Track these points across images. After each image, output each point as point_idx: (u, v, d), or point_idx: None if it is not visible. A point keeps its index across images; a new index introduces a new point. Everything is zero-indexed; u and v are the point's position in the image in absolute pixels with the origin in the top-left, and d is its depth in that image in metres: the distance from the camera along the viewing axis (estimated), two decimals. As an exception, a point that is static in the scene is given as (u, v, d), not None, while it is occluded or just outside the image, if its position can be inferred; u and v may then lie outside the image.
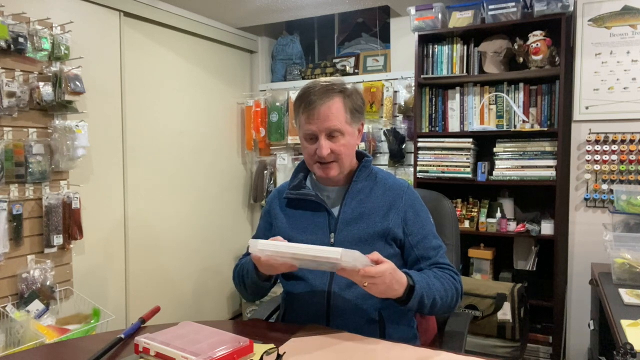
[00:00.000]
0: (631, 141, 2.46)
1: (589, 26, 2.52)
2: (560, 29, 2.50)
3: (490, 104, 2.80)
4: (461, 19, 2.78)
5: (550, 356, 2.60)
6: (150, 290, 2.91)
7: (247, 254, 1.48)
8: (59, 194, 2.33)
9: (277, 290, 1.49)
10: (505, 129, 2.73)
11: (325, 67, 3.54)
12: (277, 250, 1.13)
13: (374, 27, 3.64)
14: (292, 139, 3.47)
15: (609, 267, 2.01)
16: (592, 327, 2.23)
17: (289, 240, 1.38)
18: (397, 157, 3.15)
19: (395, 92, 3.24)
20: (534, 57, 2.57)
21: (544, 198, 2.71)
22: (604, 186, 2.51)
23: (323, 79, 1.36)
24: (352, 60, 3.64)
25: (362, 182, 1.40)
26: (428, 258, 1.34)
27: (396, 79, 3.23)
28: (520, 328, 2.43)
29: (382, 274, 1.10)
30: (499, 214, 2.77)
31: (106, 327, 2.28)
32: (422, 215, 1.39)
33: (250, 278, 1.35)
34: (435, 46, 2.87)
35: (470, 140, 2.76)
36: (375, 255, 1.14)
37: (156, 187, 2.95)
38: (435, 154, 2.84)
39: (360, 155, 1.44)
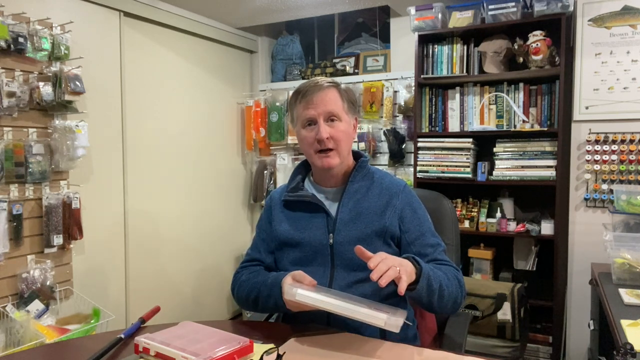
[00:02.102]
0: (631, 141, 2.46)
1: (589, 26, 2.52)
2: (560, 29, 2.50)
3: (490, 104, 2.80)
4: (461, 19, 2.78)
5: (550, 356, 2.60)
6: (150, 290, 2.91)
7: (249, 260, 1.48)
8: (59, 194, 2.33)
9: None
10: (505, 129, 2.73)
11: (325, 67, 3.54)
12: (315, 304, 1.12)
13: (374, 27, 3.64)
14: (292, 139, 3.47)
15: (609, 267, 2.01)
16: (592, 327, 2.23)
17: (289, 241, 1.39)
18: (397, 157, 3.15)
19: (395, 92, 3.24)
20: (534, 57, 2.57)
21: (544, 198, 2.71)
22: (604, 186, 2.51)
23: (318, 78, 1.40)
24: (352, 60, 3.64)
25: (359, 182, 1.40)
26: (425, 255, 1.33)
27: (396, 79, 3.23)
28: (520, 328, 2.43)
29: (384, 255, 1.10)
30: (499, 214, 2.77)
31: (106, 327, 2.28)
32: (419, 213, 1.39)
33: (271, 304, 1.31)
34: (435, 46, 2.87)
35: (470, 140, 2.76)
36: (358, 249, 1.14)
37: (156, 187, 2.95)
38: (435, 154, 2.84)
39: (357, 155, 1.45)
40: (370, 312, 1.09)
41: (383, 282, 1.05)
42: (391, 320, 1.06)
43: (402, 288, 1.07)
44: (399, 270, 1.08)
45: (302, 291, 1.13)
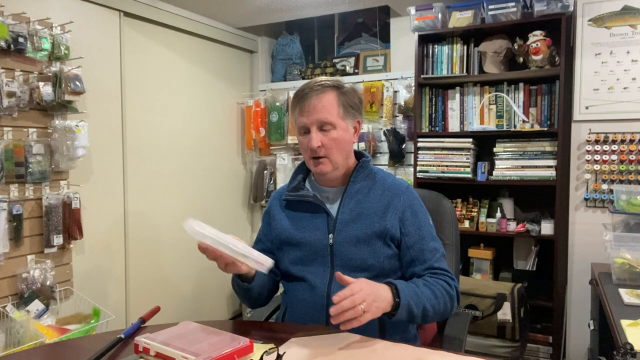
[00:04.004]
0: (631, 141, 2.46)
1: (589, 26, 2.52)
2: (560, 29, 2.50)
3: (490, 104, 2.80)
4: (461, 19, 2.78)
5: (550, 356, 2.60)
6: (150, 290, 2.91)
7: None
8: (59, 194, 2.33)
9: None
10: (505, 129, 2.73)
11: (325, 67, 3.54)
12: (199, 238, 1.15)
13: (374, 27, 3.64)
14: (292, 139, 3.47)
15: (609, 267, 2.01)
16: (592, 327, 2.23)
17: (290, 240, 1.39)
18: (397, 157, 3.15)
19: (395, 92, 3.24)
20: (534, 57, 2.57)
21: (544, 198, 2.71)
22: (604, 186, 2.51)
23: (321, 77, 1.38)
24: (352, 60, 3.64)
25: (361, 182, 1.40)
26: (423, 261, 1.33)
27: (396, 79, 3.23)
28: (520, 328, 2.43)
29: (358, 288, 1.09)
30: (499, 214, 2.77)
31: (106, 327, 2.28)
32: (421, 216, 1.38)
33: (235, 283, 1.35)
34: (435, 46, 2.87)
35: (470, 140, 2.76)
36: (338, 276, 1.14)
37: (156, 187, 2.95)
38: (435, 154, 2.84)
39: (359, 155, 1.45)
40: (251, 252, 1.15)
41: (340, 324, 1.06)
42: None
43: (358, 324, 1.07)
44: (363, 310, 1.07)
45: (192, 222, 1.14)
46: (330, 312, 1.06)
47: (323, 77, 1.37)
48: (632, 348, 1.22)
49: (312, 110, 1.32)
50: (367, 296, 1.09)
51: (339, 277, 1.14)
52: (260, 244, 1.49)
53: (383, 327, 1.31)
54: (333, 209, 1.38)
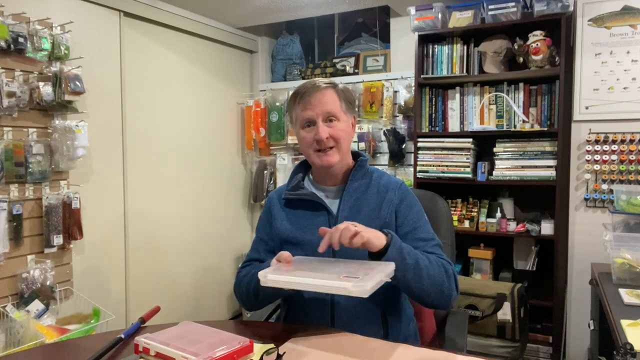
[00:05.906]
0: (631, 141, 2.46)
1: (589, 26, 2.52)
2: (560, 29, 2.50)
3: (490, 104, 2.80)
4: (461, 19, 2.78)
5: (550, 356, 2.60)
6: (150, 290, 2.91)
7: (249, 261, 1.48)
8: (59, 194, 2.33)
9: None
10: (505, 129, 2.73)
11: (325, 67, 3.54)
12: (284, 286, 1.14)
13: (374, 27, 3.64)
14: (292, 139, 3.47)
15: (609, 267, 2.01)
16: (592, 327, 2.23)
17: (291, 239, 1.39)
18: (397, 157, 3.15)
19: (395, 92, 3.24)
20: (534, 57, 2.57)
21: (544, 198, 2.71)
22: (604, 186, 2.51)
23: (316, 79, 1.42)
24: (352, 60, 3.64)
25: (358, 181, 1.41)
26: (416, 248, 1.31)
27: (396, 79, 3.23)
28: (520, 328, 2.43)
29: (344, 224, 1.16)
30: (499, 214, 2.77)
31: (106, 327, 2.28)
32: (415, 209, 1.40)
33: (269, 290, 1.29)
34: (435, 46, 2.87)
35: (470, 140, 2.76)
36: (321, 230, 1.21)
37: (156, 187, 2.95)
38: (435, 154, 2.84)
39: (356, 155, 1.47)
40: (334, 283, 1.07)
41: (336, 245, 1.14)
42: (357, 287, 1.04)
43: (359, 239, 1.14)
44: (356, 227, 1.15)
45: (271, 276, 1.14)
46: (320, 250, 1.16)
47: (318, 79, 1.41)
48: (632, 348, 1.22)
49: (318, 103, 1.35)
50: (355, 225, 1.16)
51: (322, 230, 1.20)
52: (263, 245, 1.48)
53: (386, 327, 1.32)
54: (333, 207, 1.39)
